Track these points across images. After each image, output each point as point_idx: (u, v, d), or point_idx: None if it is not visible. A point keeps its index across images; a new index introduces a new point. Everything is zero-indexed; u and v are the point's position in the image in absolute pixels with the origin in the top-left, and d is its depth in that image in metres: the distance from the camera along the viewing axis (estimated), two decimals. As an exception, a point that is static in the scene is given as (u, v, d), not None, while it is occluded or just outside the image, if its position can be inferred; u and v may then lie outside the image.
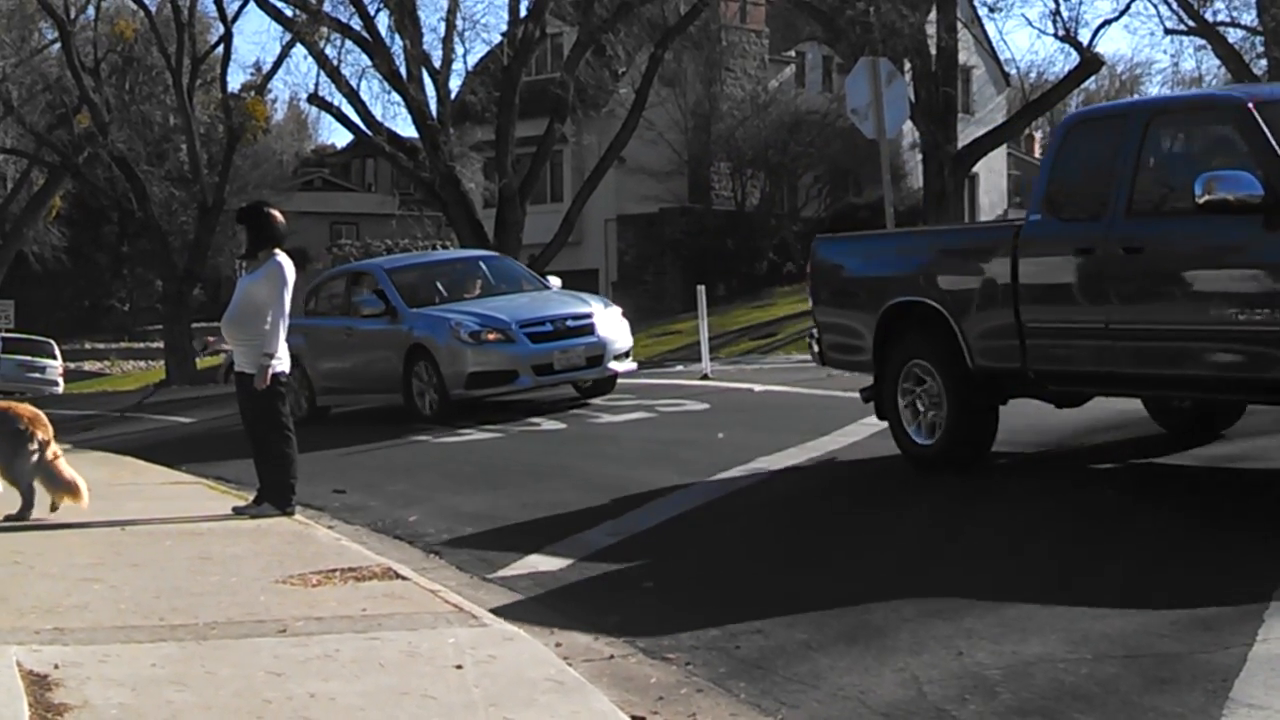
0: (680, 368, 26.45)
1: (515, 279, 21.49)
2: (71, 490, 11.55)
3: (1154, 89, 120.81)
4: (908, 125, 37.06)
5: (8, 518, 11.31)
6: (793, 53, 56.08)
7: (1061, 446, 12.28)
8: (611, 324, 19.54)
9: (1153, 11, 44.22)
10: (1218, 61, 52.52)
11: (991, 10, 41.17)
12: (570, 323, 19.19)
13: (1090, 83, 72.83)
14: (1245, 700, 5.69)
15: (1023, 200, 68.09)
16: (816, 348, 12.65)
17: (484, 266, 21.91)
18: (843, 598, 8.01)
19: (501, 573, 9.48)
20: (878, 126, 23.16)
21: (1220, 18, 48.97)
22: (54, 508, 11.60)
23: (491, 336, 18.71)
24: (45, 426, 11.55)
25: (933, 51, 36.72)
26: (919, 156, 40.20)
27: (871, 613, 7.60)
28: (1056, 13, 37.76)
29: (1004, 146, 56.38)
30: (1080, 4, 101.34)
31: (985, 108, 59.27)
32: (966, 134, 41.14)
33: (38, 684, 6.44)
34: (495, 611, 8.12)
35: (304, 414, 19.77)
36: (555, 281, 21.24)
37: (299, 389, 19.77)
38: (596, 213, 47.43)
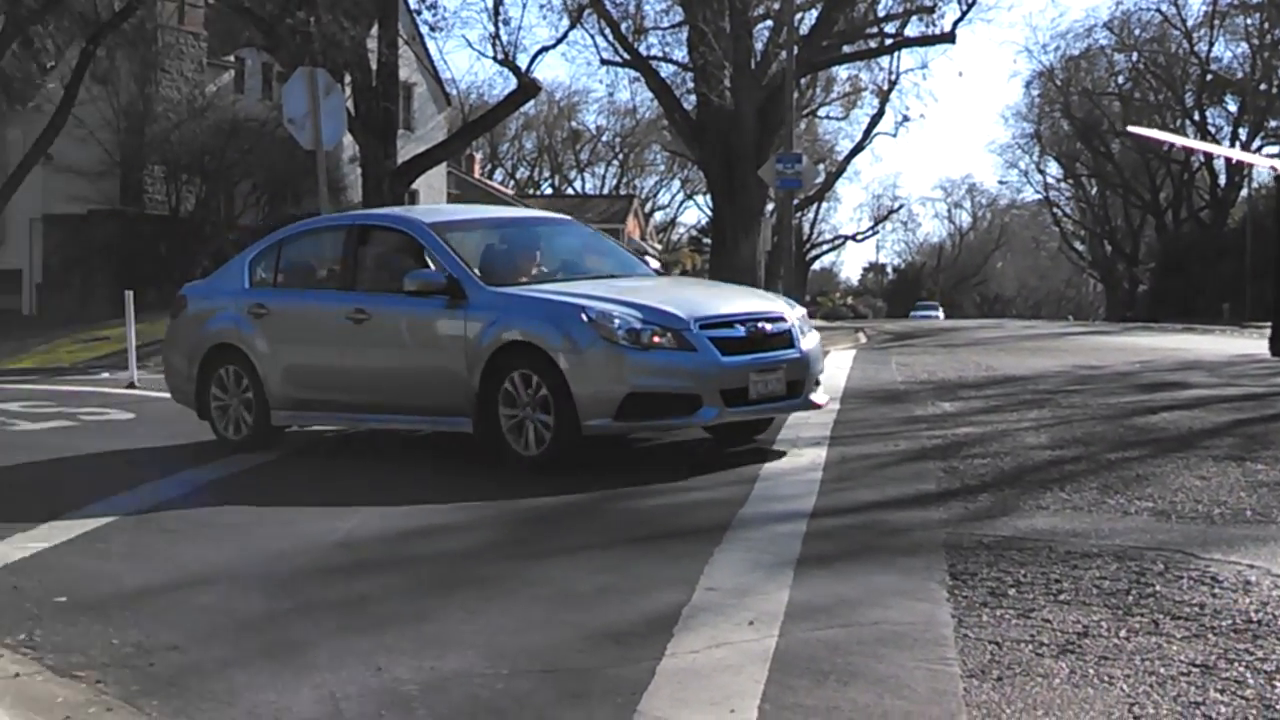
0: (106, 375, 25.61)
1: (598, 256, 14.80)
2: None
3: (591, 117, 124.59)
4: (348, 139, 37.08)
5: None
6: (232, 57, 55.22)
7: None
8: (809, 333, 13.21)
9: (590, 42, 45.78)
10: (651, 94, 54.81)
11: (432, 29, 41.90)
12: (766, 325, 12.69)
13: (529, 107, 74.71)
14: (652, 713, 5.87)
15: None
16: None
17: (553, 233, 15.18)
18: (264, 612, 7.89)
19: (-102, 588, 8.91)
20: (314, 137, 23.06)
21: (654, 52, 51.09)
22: None
23: (658, 340, 12.09)
24: None
25: (373, 66, 36.86)
26: (359, 170, 40.27)
27: (292, 628, 7.51)
28: (496, 36, 38.61)
29: (444, 165, 57.09)
30: (519, 30, 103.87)
31: (426, 125, 59.94)
32: (407, 150, 41.50)
33: None
34: (-111, 629, 7.62)
35: (243, 435, 14.27)
36: (654, 264, 14.93)
37: (234, 397, 14.35)
38: (21, 211, 45.52)
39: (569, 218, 16.00)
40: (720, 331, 12.22)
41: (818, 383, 13.15)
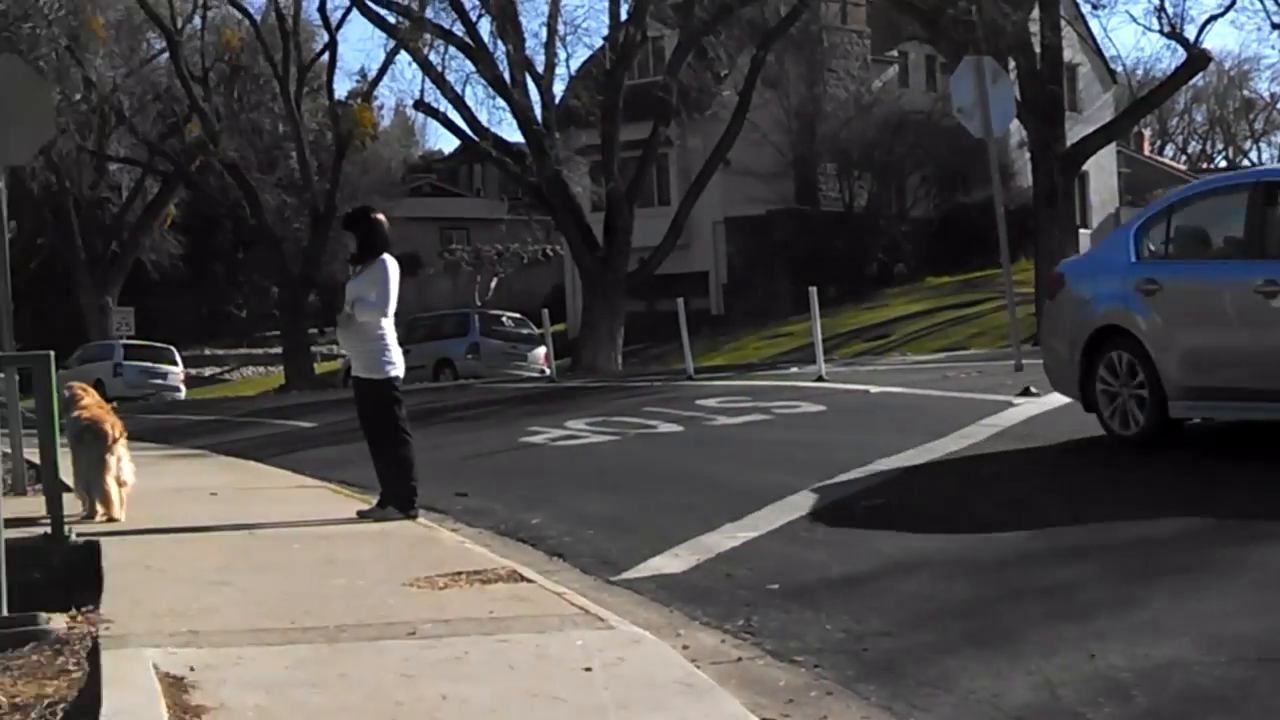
0: (794, 369, 26.38)
1: None
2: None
3: (1263, 84, 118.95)
4: (1014, 124, 36.77)
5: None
6: (895, 53, 55.88)
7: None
8: None
9: (1259, 6, 43.54)
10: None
11: (1095, 7, 40.67)
12: None
13: (1199, 79, 71.86)
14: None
15: (1134, 199, 67.35)
16: None
17: None
18: (969, 599, 7.98)
19: (625, 575, 9.49)
20: (984, 125, 22.98)
21: (1331, 11, 48.11)
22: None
23: None
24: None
25: (1037, 49, 36.41)
26: (1027, 155, 39.86)
27: (999, 615, 7.57)
28: (1161, 9, 37.27)
29: (1113, 144, 55.75)
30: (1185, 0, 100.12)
31: (1092, 105, 58.69)
32: (1074, 132, 40.72)
33: (174, 686, 6.50)
34: (621, 613, 8.12)
35: (1136, 430, 12.41)
36: None
37: (1123, 386, 12.50)
38: (704, 215, 47.46)
39: None
40: None
41: None
